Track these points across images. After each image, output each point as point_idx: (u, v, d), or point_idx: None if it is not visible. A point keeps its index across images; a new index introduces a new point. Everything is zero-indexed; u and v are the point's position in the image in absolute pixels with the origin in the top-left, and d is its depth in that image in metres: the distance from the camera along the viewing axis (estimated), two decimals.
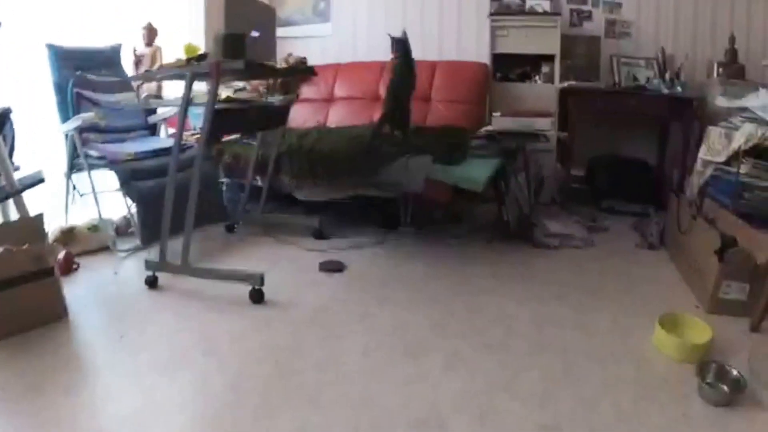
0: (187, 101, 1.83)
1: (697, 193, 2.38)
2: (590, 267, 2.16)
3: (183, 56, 1.88)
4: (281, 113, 2.52)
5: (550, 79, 3.07)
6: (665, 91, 2.93)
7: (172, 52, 2.87)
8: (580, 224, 2.70)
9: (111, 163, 2.27)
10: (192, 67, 1.77)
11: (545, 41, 3.03)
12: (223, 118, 1.93)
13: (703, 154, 2.41)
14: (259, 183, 2.59)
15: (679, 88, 2.97)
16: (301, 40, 3.88)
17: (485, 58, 3.17)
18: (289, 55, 3.52)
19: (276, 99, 2.84)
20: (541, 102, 3.06)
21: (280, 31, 3.90)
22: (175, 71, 1.84)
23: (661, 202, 3.00)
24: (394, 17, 3.64)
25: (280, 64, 3.40)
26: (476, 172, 2.17)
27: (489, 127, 2.76)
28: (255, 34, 2.06)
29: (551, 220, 2.63)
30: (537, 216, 2.56)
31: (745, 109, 2.38)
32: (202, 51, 1.95)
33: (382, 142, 2.26)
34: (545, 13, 3.14)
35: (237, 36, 1.75)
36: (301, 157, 2.41)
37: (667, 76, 3.07)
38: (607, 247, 2.41)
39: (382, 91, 3.10)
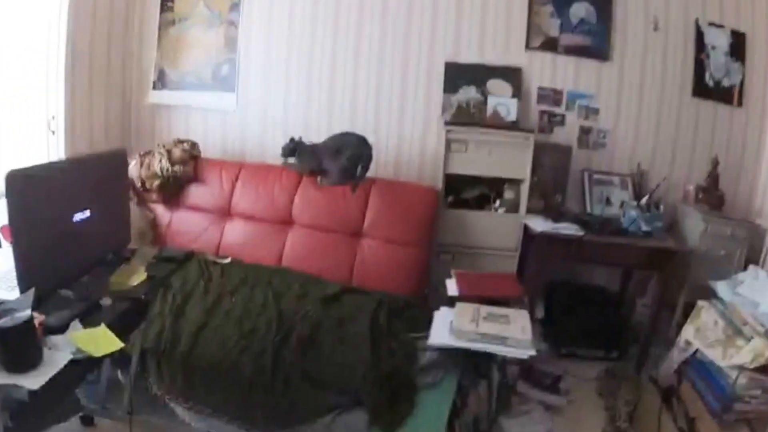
0: None
1: (674, 372, 1.94)
2: None
3: None
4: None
5: (514, 207, 2.45)
6: (644, 227, 2.43)
7: None
8: (541, 409, 2.16)
9: None
10: None
11: (513, 162, 2.36)
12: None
13: (690, 336, 1.95)
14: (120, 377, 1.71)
15: (658, 223, 2.49)
16: (199, 113, 2.91)
17: (435, 179, 2.47)
18: (178, 143, 2.55)
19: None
20: (499, 237, 2.42)
21: (172, 96, 2.91)
22: None
23: (625, 346, 2.61)
24: (321, 98, 2.80)
25: (160, 158, 2.45)
26: (429, 427, 1.48)
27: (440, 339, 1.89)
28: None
29: (511, 420, 2.04)
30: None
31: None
32: None
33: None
34: (516, 127, 2.48)
35: None
36: (175, 365, 1.58)
37: (644, 201, 2.57)
38: None
39: (301, 215, 2.32)
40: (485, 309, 1.79)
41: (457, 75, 2.65)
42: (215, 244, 2.38)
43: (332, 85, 2.78)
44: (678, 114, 2.71)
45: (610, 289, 2.83)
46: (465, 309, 1.79)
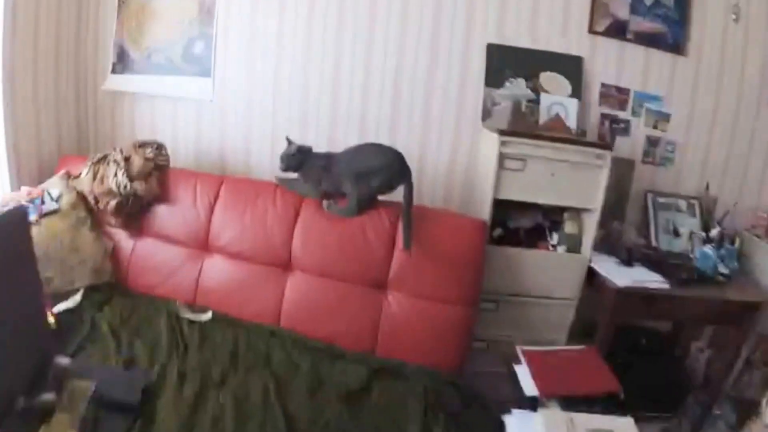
0: None
1: None
2: None
3: None
4: None
5: (575, 244, 1.92)
6: (721, 269, 1.99)
7: None
8: None
9: None
10: None
11: (582, 186, 1.80)
12: None
13: None
14: None
15: (734, 263, 2.06)
16: (167, 103, 2.16)
17: (468, 203, 1.91)
18: (140, 147, 1.79)
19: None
20: (557, 283, 1.87)
21: (135, 82, 2.11)
22: None
23: (681, 400, 2.21)
24: (323, 86, 2.10)
25: (116, 169, 1.72)
26: None
27: None
28: None
29: None
30: None
31: None
32: None
33: None
34: (588, 140, 1.91)
35: None
36: None
37: (715, 233, 2.13)
38: None
39: (304, 256, 1.68)
40: (581, 420, 1.27)
41: (501, 62, 2.02)
42: (191, 289, 1.73)
43: (337, 70, 2.08)
44: (753, 126, 2.23)
45: (660, 329, 2.42)
46: (555, 420, 1.26)
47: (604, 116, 2.12)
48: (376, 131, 2.11)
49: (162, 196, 1.77)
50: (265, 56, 2.11)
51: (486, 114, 2.01)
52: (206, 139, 2.19)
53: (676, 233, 2.19)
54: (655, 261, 1.97)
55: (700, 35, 2.14)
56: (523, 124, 1.78)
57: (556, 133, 1.81)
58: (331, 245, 1.67)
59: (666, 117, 2.18)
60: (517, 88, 1.98)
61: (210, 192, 1.79)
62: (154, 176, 1.73)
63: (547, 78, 2.02)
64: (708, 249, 2.03)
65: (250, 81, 2.13)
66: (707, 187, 2.24)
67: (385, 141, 1.90)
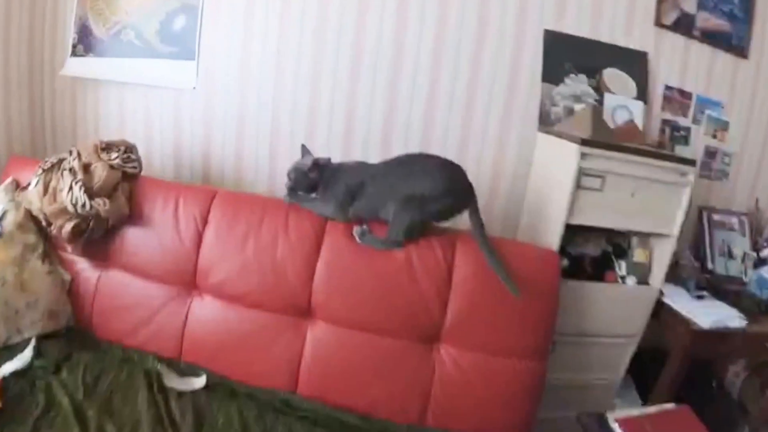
0: None
1: None
2: None
3: None
4: None
5: (645, 276, 1.61)
6: None
7: None
8: None
9: None
10: None
11: (660, 208, 1.49)
12: None
13: None
14: None
15: None
16: (139, 92, 1.69)
17: (546, 233, 1.51)
18: (103, 150, 1.31)
19: None
20: (622, 319, 1.57)
21: (100, 67, 1.71)
22: None
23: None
24: (339, 72, 1.67)
25: (71, 181, 1.27)
26: None
27: None
28: None
29: None
30: None
31: None
32: None
33: None
34: (669, 154, 1.61)
35: None
36: None
37: (766, 252, 1.94)
38: None
39: (329, 301, 1.27)
40: None
41: (560, 54, 1.66)
42: (174, 340, 1.29)
43: (356, 53, 1.65)
44: None
45: None
46: None
47: (665, 122, 1.85)
48: (405, 129, 1.70)
49: (133, 215, 1.30)
50: (266, 33, 1.64)
51: (544, 117, 1.67)
52: (188, 140, 1.71)
53: (731, 254, 1.99)
54: (719, 289, 1.74)
55: (761, 37, 1.91)
56: (605, 133, 1.46)
57: (633, 143, 1.50)
58: (365, 286, 1.27)
59: (725, 125, 1.94)
60: (578, 86, 1.66)
61: (197, 211, 1.33)
62: (122, 190, 1.26)
63: (611, 75, 1.70)
64: (765, 272, 1.83)
65: (245, 65, 1.66)
66: (757, 204, 2.06)
67: (414, 148, 1.53)
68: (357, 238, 1.30)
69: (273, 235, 1.29)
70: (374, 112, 1.70)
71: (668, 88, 1.81)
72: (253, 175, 1.75)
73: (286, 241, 1.29)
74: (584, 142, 1.36)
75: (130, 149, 1.35)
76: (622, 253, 1.62)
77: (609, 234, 1.63)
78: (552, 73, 1.65)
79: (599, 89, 1.68)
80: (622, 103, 1.67)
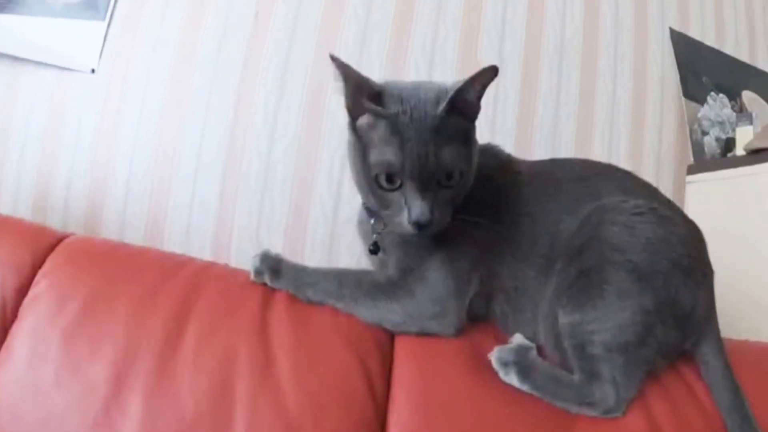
0: None
1: None
2: None
3: None
4: None
5: None
6: None
7: None
8: None
9: None
10: None
11: None
12: None
13: None
14: None
15: None
16: (29, 71, 0.87)
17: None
18: None
19: None
20: None
21: None
22: None
23: None
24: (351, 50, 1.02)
25: None
26: None
27: None
28: None
29: None
30: None
31: None
32: None
33: None
34: None
35: None
36: None
37: None
38: None
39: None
40: None
41: (694, 63, 1.14)
42: None
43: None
44: None
45: None
46: None
47: None
48: None
49: None
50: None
51: (697, 149, 1.08)
52: (72, 156, 0.89)
53: None
54: None
55: None
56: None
57: None
58: None
59: None
60: (720, 107, 1.15)
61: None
62: None
63: (750, 100, 1.23)
64: None
65: (189, 30, 0.95)
66: None
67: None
68: (504, 375, 0.53)
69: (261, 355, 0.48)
70: None
71: None
72: (184, 221, 0.91)
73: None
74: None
75: None
76: None
77: None
78: (692, 88, 1.11)
79: (742, 110, 1.18)
80: None
